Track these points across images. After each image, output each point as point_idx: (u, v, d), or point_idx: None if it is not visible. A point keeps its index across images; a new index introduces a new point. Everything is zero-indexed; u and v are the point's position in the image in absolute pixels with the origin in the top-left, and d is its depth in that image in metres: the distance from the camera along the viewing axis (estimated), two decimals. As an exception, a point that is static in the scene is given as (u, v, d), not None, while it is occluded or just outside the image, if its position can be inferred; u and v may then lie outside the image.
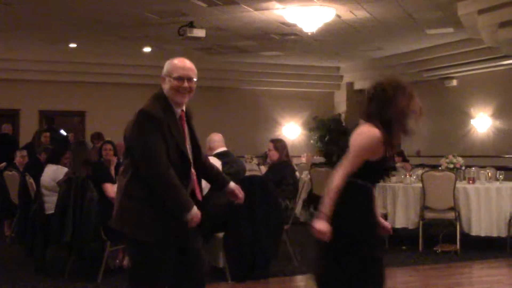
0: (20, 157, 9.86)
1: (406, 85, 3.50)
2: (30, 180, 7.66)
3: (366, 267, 3.38)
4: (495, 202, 7.85)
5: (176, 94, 3.52)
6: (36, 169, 7.83)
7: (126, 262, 6.55)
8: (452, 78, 14.47)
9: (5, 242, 8.77)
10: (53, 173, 7.04)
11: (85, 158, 7.03)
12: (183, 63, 3.56)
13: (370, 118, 3.43)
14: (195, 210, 3.47)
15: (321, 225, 3.22)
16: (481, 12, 9.29)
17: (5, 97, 14.88)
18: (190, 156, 3.59)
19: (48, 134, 11.56)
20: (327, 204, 3.26)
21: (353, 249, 3.32)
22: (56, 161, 7.26)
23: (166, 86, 3.54)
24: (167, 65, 3.57)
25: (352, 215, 3.32)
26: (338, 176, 3.31)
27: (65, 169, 7.18)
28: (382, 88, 3.48)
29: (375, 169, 3.34)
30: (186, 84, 3.52)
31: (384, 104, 3.42)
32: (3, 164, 10.80)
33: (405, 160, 12.43)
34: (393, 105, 3.43)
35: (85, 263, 6.57)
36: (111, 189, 6.29)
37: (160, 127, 3.40)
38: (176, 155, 3.46)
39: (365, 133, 3.38)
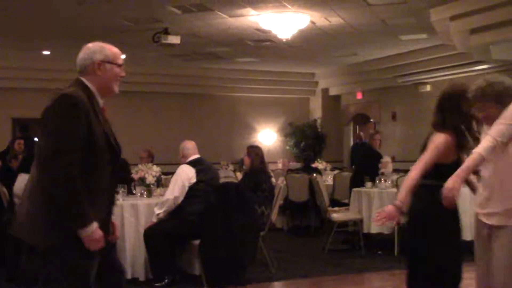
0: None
1: (468, 90, 3.60)
2: (3, 189, 7.55)
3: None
4: (469, 206, 7.89)
5: (115, 82, 3.23)
6: (8, 177, 7.73)
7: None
8: (426, 83, 14.60)
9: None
10: (25, 181, 6.94)
11: None
12: (118, 51, 3.30)
13: (441, 127, 3.75)
14: (95, 228, 2.97)
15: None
16: (453, 18, 9.40)
17: (-23, 105, 14.71)
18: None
19: (22, 141, 11.41)
20: (402, 190, 3.72)
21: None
22: (28, 170, 7.16)
23: (102, 74, 3.16)
24: (104, 51, 3.21)
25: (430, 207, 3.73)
26: (414, 171, 3.70)
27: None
28: (448, 98, 3.75)
29: (447, 172, 3.46)
30: (124, 73, 3.27)
31: (451, 112, 3.72)
32: None
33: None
34: (459, 112, 3.71)
35: (59, 272, 6.48)
36: None
37: (85, 115, 3.00)
38: (105, 144, 3.11)
39: (439, 137, 3.70)
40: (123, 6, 9.36)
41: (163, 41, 10.48)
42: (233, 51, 13.09)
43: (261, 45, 12.36)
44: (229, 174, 11.61)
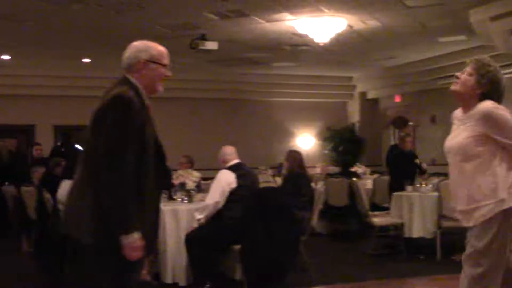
0: (39, 172, 9.92)
1: None
2: (47, 195, 7.69)
3: None
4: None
5: (160, 82, 3.21)
6: (52, 183, 7.86)
7: (142, 275, 6.54)
8: (466, 85, 14.39)
9: (23, 258, 8.80)
10: (69, 188, 7.04)
11: None
12: (165, 50, 3.26)
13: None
14: (137, 237, 2.90)
15: None
16: (493, 19, 9.26)
17: (20, 113, 14.98)
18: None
19: (40, 147, 11.57)
20: None
21: None
22: (71, 176, 7.26)
23: (147, 73, 3.15)
24: (150, 50, 3.18)
25: None
26: None
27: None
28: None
29: None
30: (169, 73, 3.24)
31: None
32: None
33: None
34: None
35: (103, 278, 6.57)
36: None
37: (138, 115, 2.98)
38: (154, 150, 3.08)
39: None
40: (160, 14, 9.46)
41: (201, 47, 10.55)
42: (270, 56, 13.11)
43: (298, 49, 12.35)
44: (268, 179, 11.62)
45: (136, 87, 3.11)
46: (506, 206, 3.43)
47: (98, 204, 2.91)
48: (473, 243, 3.53)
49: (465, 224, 3.62)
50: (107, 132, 2.92)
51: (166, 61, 3.22)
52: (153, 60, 3.17)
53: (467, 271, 3.52)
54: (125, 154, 2.89)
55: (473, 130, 3.51)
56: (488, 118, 3.48)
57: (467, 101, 3.64)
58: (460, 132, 3.64)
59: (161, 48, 3.24)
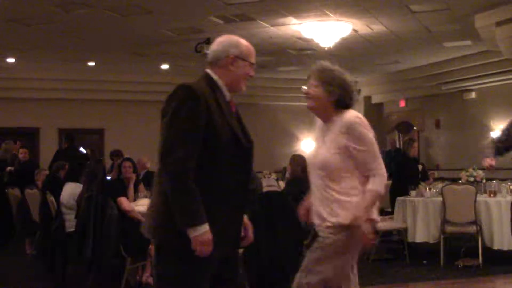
0: (43, 175, 9.94)
1: None
2: (51, 198, 7.70)
3: None
4: (505, 213, 7.75)
5: (244, 81, 3.10)
6: (56, 187, 7.87)
7: (145, 278, 6.55)
8: (471, 90, 14.39)
9: (27, 260, 8.81)
10: (72, 191, 7.07)
11: (101, 177, 6.98)
12: (253, 49, 3.14)
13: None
14: (205, 229, 2.78)
15: None
16: (498, 24, 9.26)
17: (24, 116, 15.03)
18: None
19: (25, 150, 11.58)
20: None
21: None
22: (76, 178, 7.29)
23: (234, 69, 3.04)
24: (240, 47, 3.09)
25: None
26: None
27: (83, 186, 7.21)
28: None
29: None
30: (253, 72, 3.13)
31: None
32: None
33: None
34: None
35: (105, 280, 6.59)
36: (126, 203, 6.34)
37: (204, 107, 2.83)
38: (230, 139, 2.91)
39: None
40: (165, 18, 9.48)
41: (206, 51, 10.56)
42: (275, 60, 13.12)
43: (303, 53, 12.36)
44: (271, 183, 11.59)
45: (214, 82, 3.01)
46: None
47: (163, 200, 2.83)
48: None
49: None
50: (166, 122, 2.86)
51: (253, 60, 3.14)
52: (242, 57, 3.08)
53: None
54: (182, 147, 2.78)
55: (337, 143, 3.44)
56: (350, 130, 3.44)
57: (324, 112, 3.57)
58: (322, 144, 3.57)
59: (250, 46, 3.15)
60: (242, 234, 3.07)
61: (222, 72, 3.03)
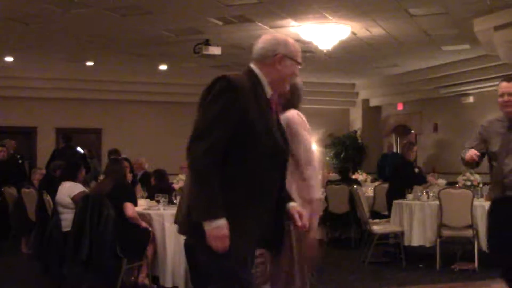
0: (39, 174, 9.94)
1: None
2: (47, 197, 7.70)
3: None
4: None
5: (288, 81, 3.07)
6: (52, 186, 7.87)
7: (141, 279, 6.55)
8: (469, 94, 14.41)
9: (22, 259, 8.81)
10: (68, 189, 7.06)
11: (121, 176, 6.80)
12: (300, 49, 3.12)
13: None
14: (221, 224, 2.68)
15: None
16: (497, 28, 9.27)
17: (22, 115, 15.02)
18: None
19: (3, 148, 11.56)
20: None
21: None
22: (72, 177, 7.28)
23: (281, 68, 3.00)
24: (289, 46, 3.04)
25: None
26: None
27: (79, 185, 7.20)
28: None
29: None
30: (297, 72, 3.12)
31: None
32: None
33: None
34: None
35: (101, 280, 6.58)
36: (132, 209, 6.32)
37: (241, 101, 2.78)
38: (267, 138, 2.83)
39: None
40: (164, 18, 9.47)
41: (204, 52, 10.57)
42: (274, 62, 13.11)
43: (302, 56, 12.30)
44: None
45: (256, 77, 2.97)
46: None
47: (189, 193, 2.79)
48: None
49: None
50: (200, 114, 2.82)
51: (300, 59, 3.12)
52: (290, 56, 3.04)
53: None
54: (209, 138, 2.72)
55: None
56: (289, 126, 3.65)
57: None
58: None
59: (297, 46, 3.13)
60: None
61: (268, 70, 2.99)
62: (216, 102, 2.76)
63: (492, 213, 4.59)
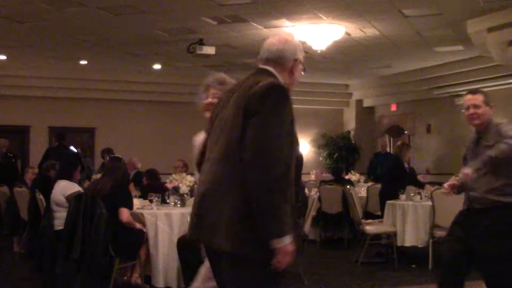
0: (32, 173, 9.91)
1: None
2: (40, 196, 7.67)
3: None
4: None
5: (295, 82, 2.95)
6: (45, 185, 7.85)
7: (134, 278, 6.53)
8: (462, 95, 14.37)
9: (14, 258, 8.78)
10: (63, 188, 7.05)
11: (121, 175, 6.75)
12: None
13: None
14: (290, 240, 2.59)
15: None
16: (490, 30, 9.30)
17: (15, 114, 14.96)
18: None
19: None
20: None
21: None
22: (68, 176, 7.26)
23: (294, 73, 2.91)
24: (301, 51, 2.95)
25: None
26: None
27: (75, 185, 7.19)
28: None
29: None
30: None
31: None
32: None
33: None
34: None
35: (94, 279, 6.56)
36: (127, 215, 6.29)
37: (291, 114, 2.66)
38: (295, 154, 2.74)
39: None
40: (158, 17, 9.46)
41: (198, 52, 10.57)
42: (267, 62, 13.11)
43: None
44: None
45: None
46: None
47: (242, 205, 2.61)
48: None
49: None
50: (260, 123, 2.60)
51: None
52: (301, 61, 2.96)
53: None
54: (282, 148, 2.58)
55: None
56: None
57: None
58: None
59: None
60: None
61: (285, 74, 2.88)
62: (278, 112, 2.62)
63: (454, 224, 4.59)
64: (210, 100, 3.80)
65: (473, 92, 4.47)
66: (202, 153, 2.97)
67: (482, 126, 4.39)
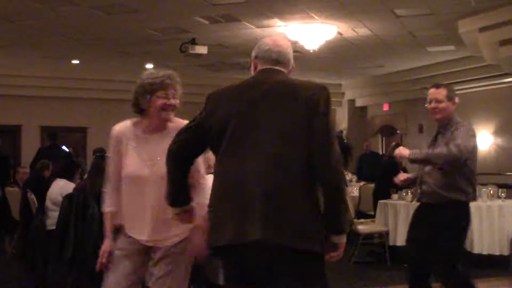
0: (23, 173, 9.87)
1: None
2: (31, 196, 7.65)
3: None
4: (497, 220, 7.82)
5: None
6: (38, 184, 7.82)
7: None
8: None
9: (6, 259, 8.75)
10: (61, 188, 7.02)
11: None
12: None
13: None
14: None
15: None
16: (482, 30, 9.33)
17: (6, 113, 14.88)
18: None
19: None
20: None
21: None
22: (69, 176, 7.24)
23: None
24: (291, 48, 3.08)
25: None
26: None
27: (73, 185, 7.17)
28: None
29: None
30: None
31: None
32: None
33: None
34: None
35: (86, 280, 6.55)
36: None
37: None
38: None
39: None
40: (151, 17, 9.45)
41: (190, 51, 10.55)
42: (260, 61, 13.11)
43: (288, 56, 12.34)
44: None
45: None
46: None
47: (309, 203, 2.70)
48: None
49: None
50: (325, 121, 2.71)
51: None
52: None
53: None
54: (337, 151, 2.71)
55: None
56: None
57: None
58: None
59: None
60: None
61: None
62: (330, 111, 2.77)
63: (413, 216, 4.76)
64: (172, 101, 3.59)
65: (437, 86, 4.52)
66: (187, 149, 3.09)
67: (443, 121, 4.44)
